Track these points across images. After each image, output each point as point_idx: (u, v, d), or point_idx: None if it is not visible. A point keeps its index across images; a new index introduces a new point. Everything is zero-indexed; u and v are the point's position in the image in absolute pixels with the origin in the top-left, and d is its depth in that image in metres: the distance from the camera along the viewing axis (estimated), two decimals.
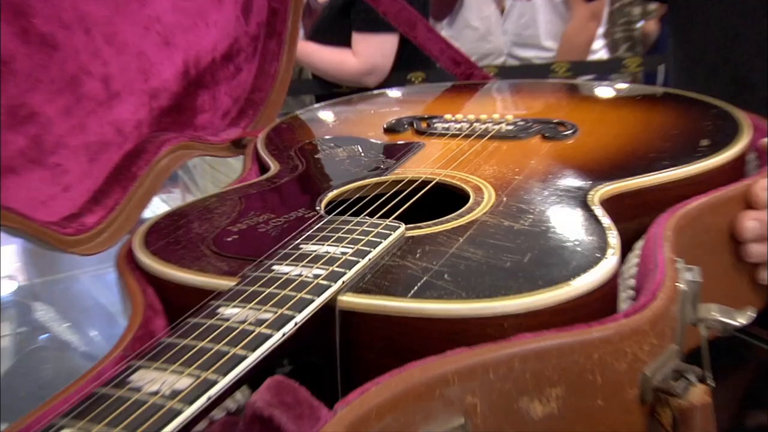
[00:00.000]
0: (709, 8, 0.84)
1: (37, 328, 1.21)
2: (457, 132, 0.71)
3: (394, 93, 0.95)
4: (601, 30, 2.63)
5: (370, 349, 0.43)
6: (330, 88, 2.28)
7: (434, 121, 0.75)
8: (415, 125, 0.74)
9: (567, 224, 0.50)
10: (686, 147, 0.61)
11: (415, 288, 0.43)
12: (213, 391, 0.34)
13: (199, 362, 0.36)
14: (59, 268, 1.44)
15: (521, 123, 0.72)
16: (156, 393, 0.34)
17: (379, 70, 2.17)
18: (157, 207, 0.89)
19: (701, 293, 0.47)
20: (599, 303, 0.44)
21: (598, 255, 0.45)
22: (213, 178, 2.05)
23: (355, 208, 0.56)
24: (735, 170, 0.61)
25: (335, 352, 0.43)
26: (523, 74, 2.54)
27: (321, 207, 0.57)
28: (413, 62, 2.25)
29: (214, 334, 0.38)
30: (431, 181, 0.59)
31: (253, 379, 0.38)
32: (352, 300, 0.42)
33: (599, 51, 2.65)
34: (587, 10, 2.42)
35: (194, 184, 2.13)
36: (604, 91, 0.89)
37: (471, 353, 0.38)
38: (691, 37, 0.90)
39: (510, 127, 0.71)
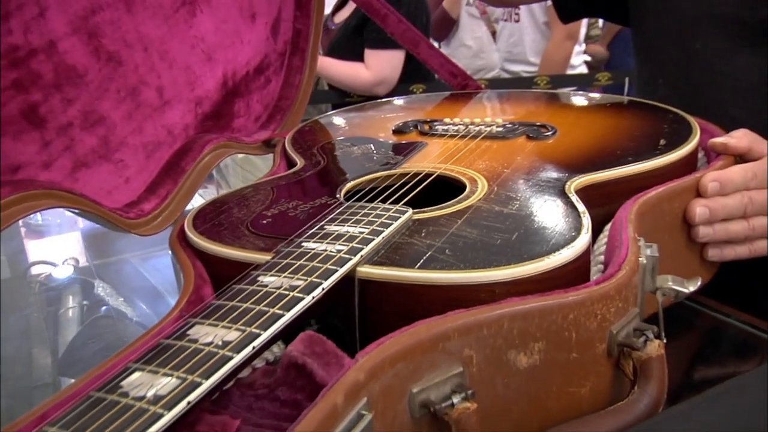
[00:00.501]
0: (667, 29, 0.84)
1: (97, 302, 1.23)
2: (455, 133, 0.72)
3: (399, 101, 0.96)
4: (579, 47, 2.62)
5: (383, 311, 0.44)
6: (343, 97, 2.28)
7: (435, 123, 0.76)
8: (419, 127, 0.75)
9: (547, 209, 0.51)
10: (647, 146, 0.62)
11: (421, 261, 0.44)
12: (256, 342, 0.35)
13: (245, 319, 0.37)
14: (112, 252, 1.45)
15: (509, 125, 0.73)
16: (210, 343, 0.35)
17: (388, 82, 2.17)
18: (195, 201, 0.91)
19: (658, 266, 0.49)
20: (574, 274, 0.45)
21: (574, 234, 0.46)
22: (242, 177, 2.06)
23: (369, 196, 0.57)
24: (687, 165, 0.62)
25: (354, 314, 0.44)
26: (510, 86, 2.54)
27: (341, 195, 0.58)
28: (415, 75, 2.25)
29: (256, 297, 0.39)
30: (433, 174, 0.60)
31: (286, 335, 0.39)
32: (368, 271, 0.44)
33: (579, 66, 2.65)
34: (564, 30, 2.42)
35: (225, 182, 2.14)
36: (579, 99, 0.89)
37: (468, 313, 0.39)
38: (651, 56, 0.90)
39: (499, 129, 0.71)
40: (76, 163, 0.53)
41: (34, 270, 1.39)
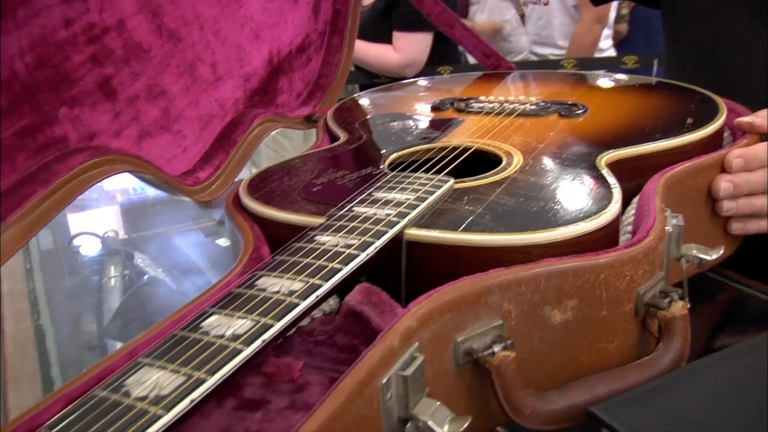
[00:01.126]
0: (697, 11, 0.85)
1: (137, 272, 1.28)
2: (490, 110, 0.74)
3: (435, 80, 0.99)
4: (608, 31, 2.62)
5: (427, 271, 0.47)
6: (371, 78, 2.31)
7: (471, 101, 0.79)
8: (455, 104, 0.78)
9: (580, 181, 0.54)
10: (675, 124, 0.64)
11: (464, 225, 0.47)
12: (319, 292, 0.39)
13: (307, 272, 0.41)
14: (149, 226, 1.50)
15: (542, 104, 0.75)
16: (277, 292, 0.39)
17: (417, 64, 2.20)
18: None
19: (683, 235, 0.52)
20: (604, 239, 0.48)
21: (605, 203, 0.49)
22: (269, 156, 2.10)
23: (410, 168, 0.60)
24: (713, 143, 0.64)
25: (401, 272, 0.48)
26: (538, 69, 2.55)
27: (384, 166, 0.61)
28: (442, 58, 2.27)
29: (315, 253, 0.43)
30: (471, 148, 0.63)
31: (341, 290, 0.43)
32: (415, 233, 0.47)
33: (607, 50, 2.65)
34: (593, 14, 2.42)
35: (256, 165, 2.18)
36: (608, 80, 0.92)
37: (508, 271, 0.42)
38: (680, 38, 0.92)
39: (532, 107, 0.74)
40: (142, 133, 0.57)
41: (77, 241, 1.44)
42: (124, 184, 1.53)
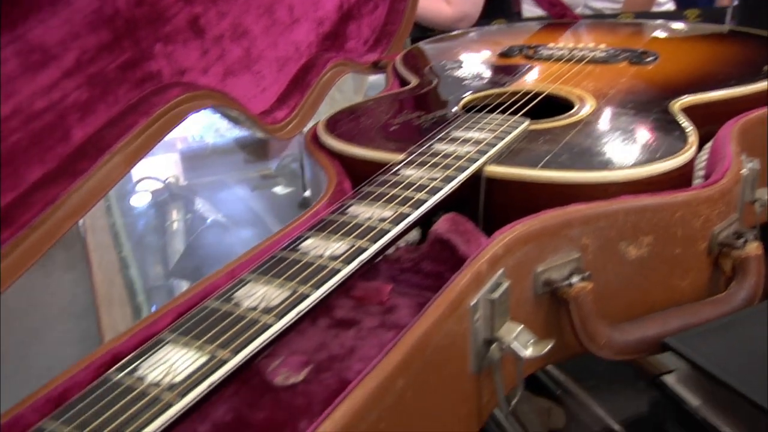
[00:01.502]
0: None
1: (199, 216, 1.31)
2: (559, 57, 0.75)
3: (500, 28, 0.99)
4: None
5: (504, 206, 0.48)
6: (424, 32, 2.29)
7: (539, 48, 0.79)
8: (524, 51, 0.78)
9: (654, 124, 0.54)
10: (749, 70, 0.64)
11: (542, 162, 0.48)
12: (409, 219, 0.40)
13: (396, 201, 0.42)
14: (209, 173, 1.53)
15: (611, 51, 0.75)
16: (369, 218, 0.41)
17: (470, 17, 2.17)
18: None
19: (758, 180, 0.52)
20: (679, 180, 0.48)
21: (681, 145, 0.50)
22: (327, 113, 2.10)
23: (483, 112, 0.61)
24: None
25: (479, 208, 0.49)
26: None
27: (458, 108, 0.62)
28: (496, 11, 2.24)
29: (402, 185, 0.45)
30: (542, 93, 0.63)
31: (423, 223, 0.44)
32: (495, 169, 0.48)
33: (666, 4, 2.58)
34: None
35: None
36: (678, 28, 0.90)
37: (589, 206, 0.43)
38: None
39: (602, 54, 0.74)
40: (226, 72, 0.59)
41: (140, 186, 1.49)
42: (183, 133, 1.56)
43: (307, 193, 0.96)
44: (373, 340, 0.38)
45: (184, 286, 0.90)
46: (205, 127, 1.52)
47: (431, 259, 0.43)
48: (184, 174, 1.65)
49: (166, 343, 0.31)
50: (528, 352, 0.37)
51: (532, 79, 0.69)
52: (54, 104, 0.42)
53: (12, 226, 0.38)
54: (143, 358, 0.31)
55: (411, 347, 0.32)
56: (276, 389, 0.35)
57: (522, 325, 0.38)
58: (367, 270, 0.44)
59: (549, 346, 0.37)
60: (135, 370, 0.30)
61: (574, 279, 0.42)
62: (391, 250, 0.45)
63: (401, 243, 0.46)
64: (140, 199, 1.51)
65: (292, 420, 0.33)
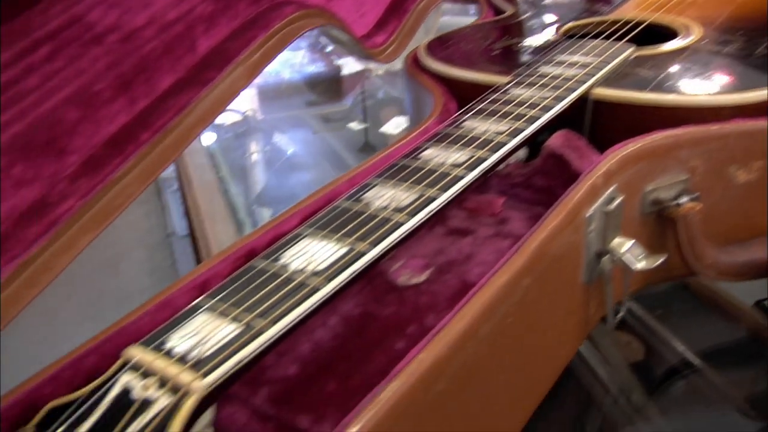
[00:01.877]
0: None
1: (277, 149, 1.34)
2: None
3: None
4: None
5: (611, 129, 0.48)
6: None
7: None
8: None
9: (767, 51, 0.53)
10: None
11: (651, 86, 0.48)
12: (525, 133, 0.41)
13: (510, 117, 0.43)
14: (284, 108, 1.55)
15: None
16: (486, 131, 0.41)
17: None
18: None
19: None
20: None
21: None
22: None
23: (585, 39, 0.61)
24: None
25: (585, 130, 0.49)
26: None
27: (558, 35, 0.62)
28: None
29: (514, 103, 0.45)
30: (644, 22, 0.62)
31: (530, 144, 0.45)
32: (603, 92, 0.48)
33: None
34: None
35: None
36: None
37: (699, 128, 0.43)
38: None
39: None
40: None
41: (220, 119, 1.52)
42: None
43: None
44: (489, 247, 0.40)
45: (266, 214, 0.92)
46: (281, 63, 1.54)
47: (543, 174, 0.43)
48: (260, 108, 1.68)
49: (305, 236, 0.33)
50: (641, 265, 0.38)
51: (633, 8, 0.68)
52: (183, 15, 0.44)
53: (149, 130, 0.41)
54: (284, 249, 0.32)
55: (533, 252, 0.33)
56: (399, 288, 0.37)
57: (633, 240, 0.39)
58: (479, 185, 0.45)
59: (661, 260, 0.38)
60: (278, 258, 0.32)
61: (683, 199, 0.42)
62: (501, 167, 0.46)
63: (511, 159, 0.47)
64: (221, 129, 1.54)
65: (418, 316, 0.35)
